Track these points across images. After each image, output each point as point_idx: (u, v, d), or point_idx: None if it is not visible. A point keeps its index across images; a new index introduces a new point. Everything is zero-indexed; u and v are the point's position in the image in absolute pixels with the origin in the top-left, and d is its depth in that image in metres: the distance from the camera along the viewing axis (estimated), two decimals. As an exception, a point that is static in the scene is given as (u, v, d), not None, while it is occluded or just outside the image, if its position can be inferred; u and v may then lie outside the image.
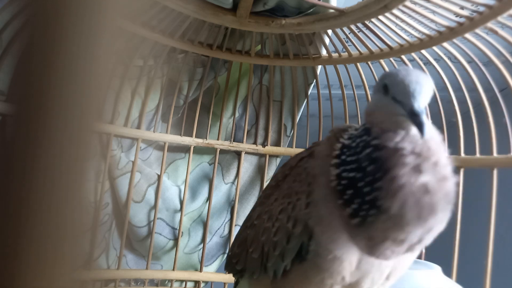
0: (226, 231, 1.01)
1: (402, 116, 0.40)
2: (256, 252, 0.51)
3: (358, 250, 0.42)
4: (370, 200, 0.39)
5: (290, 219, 0.47)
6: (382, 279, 0.46)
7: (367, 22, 0.76)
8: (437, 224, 0.42)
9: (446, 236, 0.77)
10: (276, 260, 0.48)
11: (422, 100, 0.40)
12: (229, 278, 0.97)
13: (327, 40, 0.89)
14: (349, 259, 0.43)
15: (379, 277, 0.45)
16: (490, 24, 0.66)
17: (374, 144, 0.41)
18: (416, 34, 0.76)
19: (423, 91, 0.40)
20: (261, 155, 1.01)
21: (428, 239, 0.42)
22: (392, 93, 0.41)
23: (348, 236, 0.42)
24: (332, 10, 0.78)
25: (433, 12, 0.70)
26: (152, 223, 0.92)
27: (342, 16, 0.76)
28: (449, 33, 0.71)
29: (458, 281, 0.67)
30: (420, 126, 0.39)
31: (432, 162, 0.40)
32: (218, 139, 0.98)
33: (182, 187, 0.98)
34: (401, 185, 0.38)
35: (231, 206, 1.01)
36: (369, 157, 0.41)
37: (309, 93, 1.00)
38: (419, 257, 0.77)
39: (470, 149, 0.77)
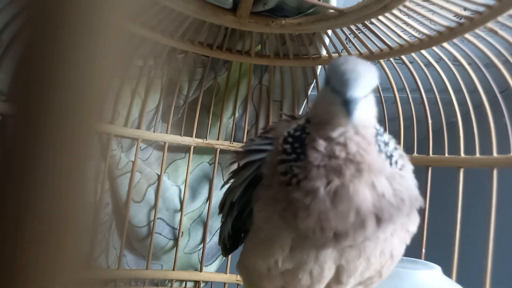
0: (226, 231, 1.01)
1: (339, 106, 0.40)
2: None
3: (290, 236, 0.43)
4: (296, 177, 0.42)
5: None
6: (325, 277, 0.45)
7: (367, 22, 0.76)
8: (362, 224, 0.41)
9: (446, 236, 0.77)
10: (224, 226, 0.54)
11: (357, 88, 0.39)
12: (229, 278, 0.97)
13: (327, 40, 0.89)
14: (281, 242, 0.44)
15: (319, 272, 0.45)
16: (490, 24, 0.66)
17: (306, 136, 0.44)
18: (416, 34, 0.76)
19: (359, 78, 0.40)
20: (261, 155, 1.01)
21: (359, 237, 0.42)
22: (331, 84, 0.41)
23: (281, 220, 0.43)
24: (332, 10, 0.78)
25: (433, 12, 0.70)
26: (152, 223, 0.92)
27: (342, 16, 0.76)
28: (449, 33, 0.71)
29: (458, 281, 0.67)
30: (349, 113, 0.39)
31: (353, 163, 0.41)
32: (218, 139, 0.98)
33: (182, 187, 0.98)
34: (313, 181, 0.41)
35: (231, 206, 1.01)
36: (301, 144, 0.44)
37: (309, 94, 1.00)
38: (419, 257, 0.77)
39: (470, 149, 0.77)
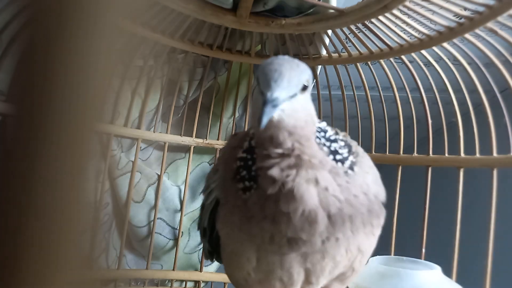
0: (226, 231, 1.01)
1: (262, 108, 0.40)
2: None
3: (253, 247, 0.45)
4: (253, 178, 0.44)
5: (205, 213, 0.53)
6: (295, 281, 0.46)
7: (367, 22, 0.76)
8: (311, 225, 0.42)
9: (446, 236, 0.77)
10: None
11: (278, 88, 0.39)
12: (229, 278, 0.97)
13: (327, 40, 0.89)
14: (246, 255, 0.46)
15: (289, 278, 0.46)
16: (489, 24, 0.66)
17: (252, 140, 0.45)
18: (416, 34, 0.76)
19: (281, 78, 0.40)
20: (261, 155, 1.01)
21: (314, 240, 0.42)
22: (259, 85, 0.41)
23: (240, 232, 0.45)
24: (332, 10, 0.78)
25: (433, 12, 0.70)
26: (152, 223, 0.92)
27: (342, 16, 0.76)
28: (449, 33, 0.71)
29: (458, 281, 0.66)
30: (260, 116, 0.38)
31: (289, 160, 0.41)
32: (218, 139, 0.98)
33: (182, 187, 0.98)
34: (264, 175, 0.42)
35: (231, 206, 1.01)
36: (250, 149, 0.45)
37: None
38: (419, 257, 0.77)
39: (470, 149, 0.77)
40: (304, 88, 0.42)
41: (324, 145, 0.45)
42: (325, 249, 0.44)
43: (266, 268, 0.46)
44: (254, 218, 0.43)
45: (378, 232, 0.49)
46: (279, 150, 0.41)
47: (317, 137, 0.45)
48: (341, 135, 0.49)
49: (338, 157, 0.45)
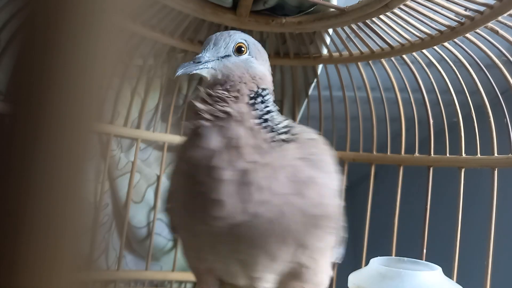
0: (226, 232, 1.00)
1: None
2: None
3: (191, 233, 0.48)
4: None
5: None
6: (234, 273, 0.48)
7: (368, 21, 0.76)
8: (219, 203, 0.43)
9: (446, 237, 0.77)
10: None
11: (203, 51, 0.48)
12: (229, 278, 0.97)
13: (327, 40, 0.89)
14: (189, 244, 0.51)
15: (226, 268, 0.48)
16: (490, 24, 0.66)
17: None
18: (417, 33, 0.75)
19: (209, 44, 0.48)
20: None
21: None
22: None
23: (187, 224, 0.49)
24: (333, 9, 0.77)
25: (434, 11, 0.70)
26: (151, 223, 0.91)
27: (343, 15, 0.76)
28: (450, 33, 0.71)
29: (459, 281, 0.66)
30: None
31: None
32: (218, 139, 0.98)
33: (182, 187, 0.98)
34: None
35: (231, 206, 1.01)
36: None
37: (309, 93, 1.00)
38: (420, 257, 0.77)
39: (471, 149, 0.77)
40: (240, 51, 0.48)
41: (257, 108, 0.47)
42: (251, 233, 0.43)
43: (204, 257, 0.49)
44: (183, 172, 0.47)
45: (323, 223, 0.46)
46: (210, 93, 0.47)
47: (252, 98, 0.47)
48: (284, 120, 0.51)
49: (265, 124, 0.47)
